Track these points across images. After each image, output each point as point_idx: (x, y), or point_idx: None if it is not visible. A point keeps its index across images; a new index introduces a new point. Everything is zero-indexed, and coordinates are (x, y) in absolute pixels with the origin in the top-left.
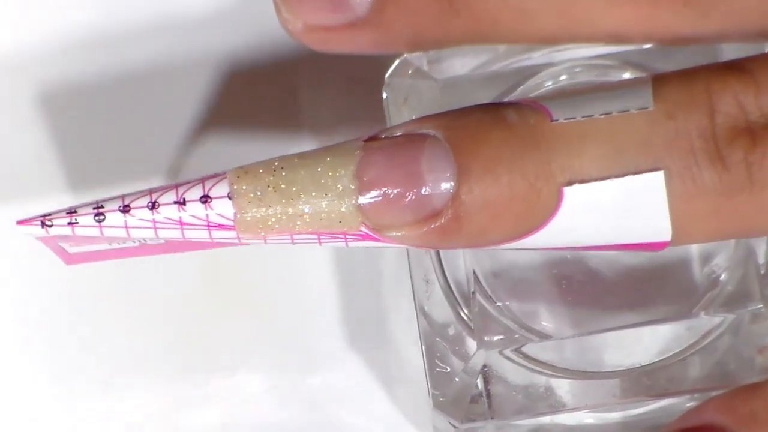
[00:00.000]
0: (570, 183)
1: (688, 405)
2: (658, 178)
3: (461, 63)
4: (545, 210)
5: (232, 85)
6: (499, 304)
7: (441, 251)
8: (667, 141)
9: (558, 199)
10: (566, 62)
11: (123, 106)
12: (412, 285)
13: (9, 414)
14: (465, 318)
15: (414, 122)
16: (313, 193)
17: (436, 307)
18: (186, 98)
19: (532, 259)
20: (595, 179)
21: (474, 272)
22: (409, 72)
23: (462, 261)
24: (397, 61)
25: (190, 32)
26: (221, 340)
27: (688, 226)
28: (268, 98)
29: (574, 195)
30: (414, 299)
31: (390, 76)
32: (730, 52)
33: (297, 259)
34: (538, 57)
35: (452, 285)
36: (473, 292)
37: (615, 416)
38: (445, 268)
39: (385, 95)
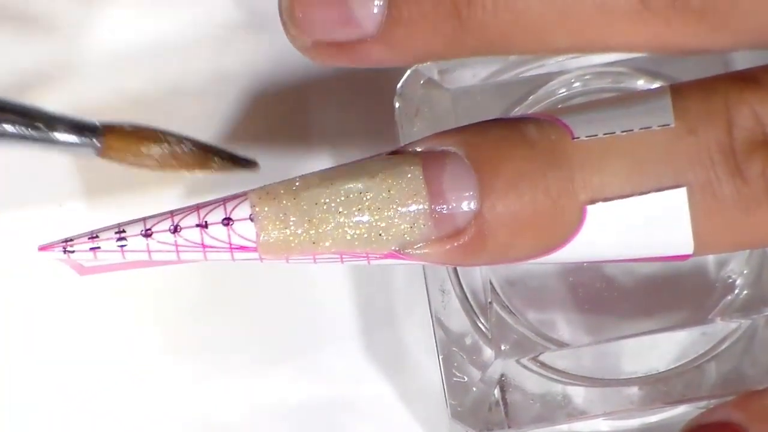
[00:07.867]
0: (593, 201)
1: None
2: (680, 195)
3: (472, 72)
4: (568, 227)
5: (243, 100)
6: (515, 313)
7: None
8: (688, 156)
9: (581, 216)
10: (578, 70)
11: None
12: (428, 295)
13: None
14: (482, 327)
15: (434, 138)
16: (337, 215)
17: (452, 317)
18: (199, 116)
19: (547, 268)
20: (618, 197)
21: (490, 282)
22: (421, 82)
23: (478, 271)
24: (408, 72)
25: (201, 52)
26: (231, 345)
27: (709, 240)
28: (277, 112)
29: (596, 213)
30: (430, 309)
31: (401, 86)
32: (742, 58)
33: (310, 269)
34: (550, 65)
35: (468, 295)
36: (490, 302)
37: (632, 423)
38: (461, 278)
39: (397, 105)
